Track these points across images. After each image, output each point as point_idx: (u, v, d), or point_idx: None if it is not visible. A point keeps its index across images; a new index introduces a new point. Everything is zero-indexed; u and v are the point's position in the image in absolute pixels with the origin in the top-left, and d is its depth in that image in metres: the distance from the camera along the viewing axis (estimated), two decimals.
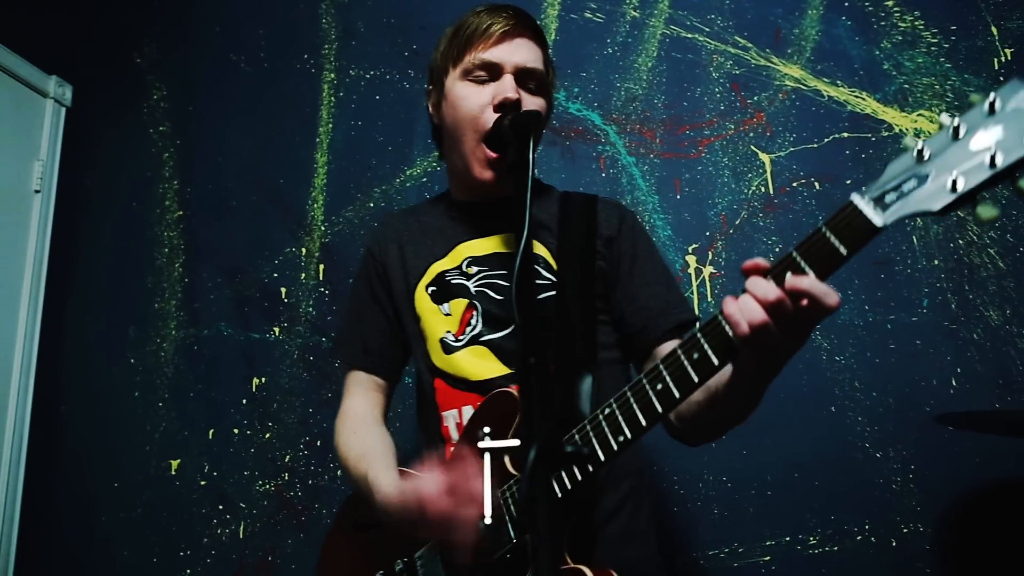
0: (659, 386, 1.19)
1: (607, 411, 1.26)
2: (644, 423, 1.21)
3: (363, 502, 1.50)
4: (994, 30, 2.23)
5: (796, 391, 2.12)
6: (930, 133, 1.01)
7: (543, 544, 0.90)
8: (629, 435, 1.23)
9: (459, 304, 1.59)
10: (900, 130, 2.23)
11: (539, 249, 1.61)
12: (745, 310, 1.08)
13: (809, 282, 1.05)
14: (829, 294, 1.06)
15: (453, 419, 1.56)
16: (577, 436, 1.30)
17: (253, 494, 2.42)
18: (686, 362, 1.16)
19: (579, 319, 1.55)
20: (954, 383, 2.07)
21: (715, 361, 1.13)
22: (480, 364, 1.55)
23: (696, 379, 1.16)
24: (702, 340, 1.14)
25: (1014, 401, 2.03)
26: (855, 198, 1.04)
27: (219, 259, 2.64)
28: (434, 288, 1.62)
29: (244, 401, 2.49)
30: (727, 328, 1.11)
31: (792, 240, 2.23)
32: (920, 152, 0.99)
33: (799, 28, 2.36)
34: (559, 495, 1.29)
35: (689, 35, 2.42)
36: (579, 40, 2.50)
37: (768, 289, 1.07)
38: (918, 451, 2.05)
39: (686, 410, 1.38)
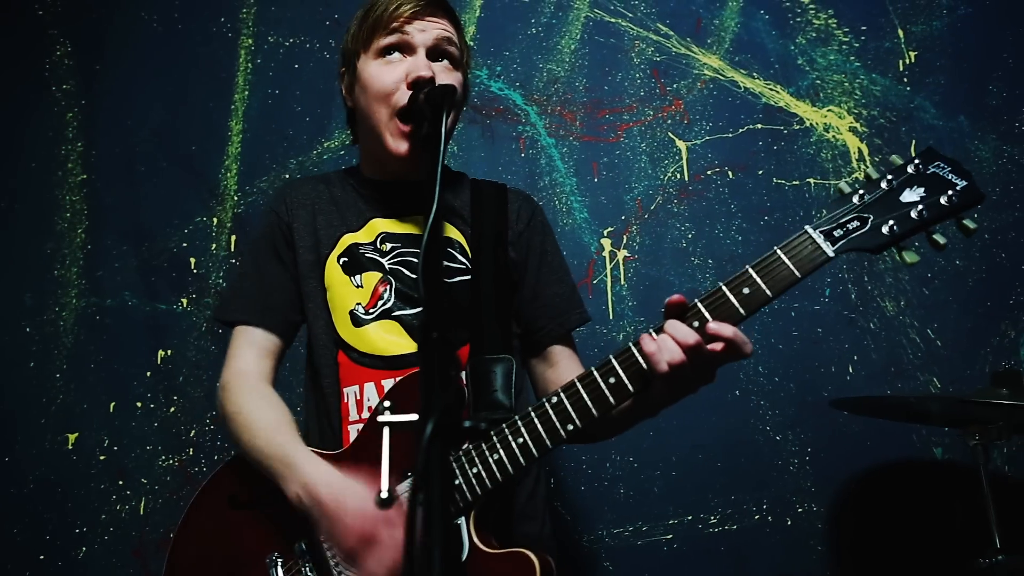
0: (612, 379, 1.27)
1: (555, 399, 1.31)
2: (631, 389, 1.27)
3: (258, 476, 1.46)
4: (901, 33, 2.31)
5: None
6: (867, 179, 1.22)
7: (437, 518, 0.89)
8: (579, 424, 1.29)
9: (372, 277, 1.58)
10: (811, 124, 2.29)
11: (454, 234, 1.63)
12: (664, 350, 1.19)
13: (731, 331, 1.18)
14: (746, 344, 1.20)
15: (354, 395, 1.54)
16: (520, 421, 1.33)
17: (155, 469, 2.35)
18: (603, 384, 1.26)
19: (493, 306, 1.57)
20: (851, 370, 2.16)
21: (630, 388, 1.25)
22: (389, 339, 1.54)
23: (612, 401, 1.26)
24: (618, 367, 1.25)
25: (904, 387, 2.12)
26: (809, 230, 1.20)
27: (125, 226, 2.54)
28: (345, 259, 1.60)
29: (148, 374, 2.41)
30: (641, 361, 1.22)
31: (705, 227, 2.28)
32: (862, 198, 1.20)
33: (719, 19, 2.40)
34: (499, 481, 1.34)
35: (612, 20, 2.44)
36: (503, 19, 2.49)
37: (687, 334, 1.18)
38: (815, 434, 2.14)
39: None
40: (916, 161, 1.20)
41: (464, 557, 1.34)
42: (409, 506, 0.92)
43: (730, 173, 2.29)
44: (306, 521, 1.35)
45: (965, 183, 1.18)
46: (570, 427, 1.29)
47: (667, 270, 2.27)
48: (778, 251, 1.20)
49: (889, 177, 1.20)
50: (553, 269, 1.67)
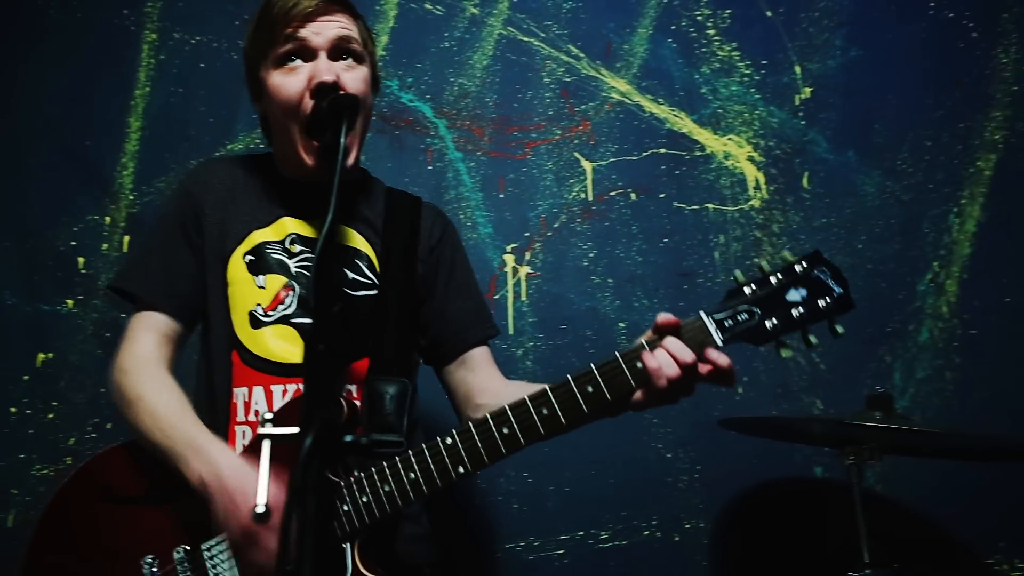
0: (545, 411, 1.33)
1: (449, 441, 1.34)
2: (522, 442, 1.35)
3: (139, 471, 1.41)
4: (798, 69, 2.41)
5: None
6: (761, 273, 1.33)
7: (309, 534, 0.88)
8: (522, 442, 1.35)
9: (276, 280, 1.55)
10: (711, 151, 2.37)
11: (363, 247, 1.62)
12: (666, 366, 1.28)
13: (727, 361, 1.30)
14: (734, 376, 1.33)
15: (243, 397, 1.51)
16: (413, 457, 1.34)
17: (28, 479, 2.23)
18: (579, 393, 1.31)
19: (396, 322, 1.57)
20: (740, 390, 2.23)
21: (608, 397, 1.32)
22: (284, 346, 1.52)
23: (586, 410, 1.32)
24: (599, 378, 1.32)
25: (790, 409, 2.21)
26: (704, 317, 1.33)
27: (8, 220, 2.41)
28: (252, 257, 1.57)
29: (26, 377, 2.29)
30: (627, 374, 1.31)
31: (607, 247, 2.32)
32: (754, 293, 1.31)
33: (629, 44, 2.45)
34: (388, 512, 1.35)
35: (525, 39, 2.46)
36: (417, 31, 2.48)
37: (686, 352, 1.29)
38: (704, 453, 2.20)
39: None
40: (804, 263, 1.31)
41: None
42: (283, 519, 0.91)
43: (633, 195, 2.35)
44: (182, 517, 1.32)
45: (841, 291, 1.30)
46: (460, 470, 1.33)
47: (568, 287, 2.30)
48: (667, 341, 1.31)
49: (779, 275, 1.31)
50: (460, 285, 1.69)
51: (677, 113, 2.40)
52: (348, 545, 1.35)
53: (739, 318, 1.30)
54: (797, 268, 1.31)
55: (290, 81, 1.51)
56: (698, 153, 2.37)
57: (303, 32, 1.50)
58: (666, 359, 1.28)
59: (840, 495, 1.91)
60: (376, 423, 1.48)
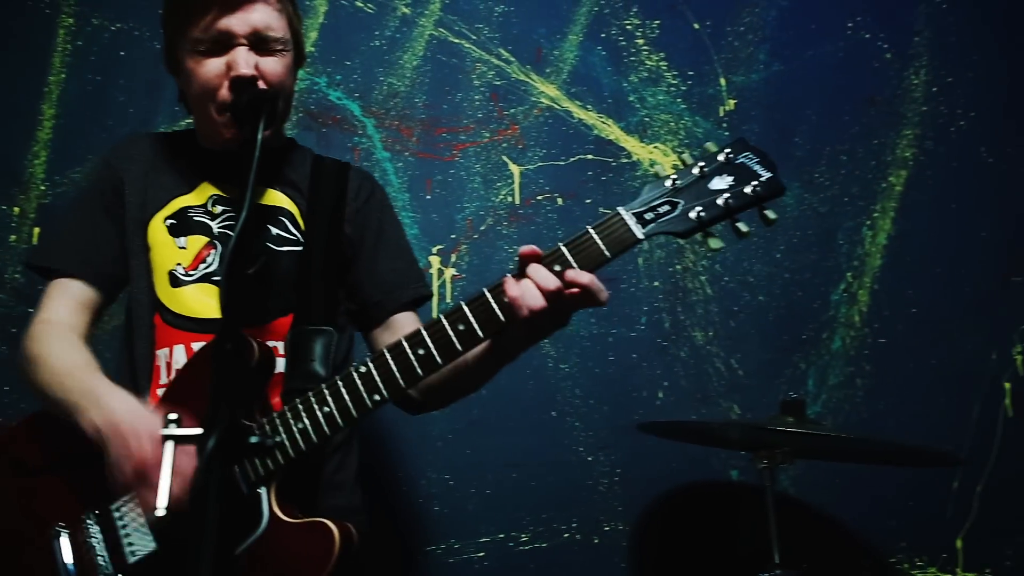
0: (421, 351, 1.27)
1: (363, 369, 1.30)
2: (403, 384, 1.28)
3: (48, 440, 1.35)
4: (723, 81, 2.47)
5: (522, 395, 2.21)
6: (683, 165, 1.24)
7: (208, 535, 0.86)
8: (386, 395, 1.29)
9: (197, 240, 1.55)
10: (637, 159, 2.40)
11: (287, 204, 1.61)
12: (527, 295, 1.20)
13: (589, 277, 1.20)
14: (602, 290, 1.22)
15: (164, 358, 1.49)
16: (327, 390, 1.32)
17: None
18: (451, 332, 1.25)
19: (321, 278, 1.56)
20: (661, 395, 2.27)
21: (480, 334, 1.25)
22: (206, 302, 1.51)
23: (460, 348, 1.26)
24: (469, 314, 1.25)
25: (708, 413, 2.25)
26: (621, 210, 1.22)
27: None
28: (173, 221, 1.56)
29: None
30: (495, 307, 1.23)
31: None
32: (674, 182, 1.22)
33: (559, 50, 2.47)
34: (302, 450, 1.32)
35: (456, 40, 2.46)
36: (347, 28, 2.45)
37: (549, 279, 1.20)
38: (624, 456, 2.22)
39: (431, 377, 1.41)
40: (727, 150, 1.23)
41: (262, 527, 1.30)
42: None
43: (559, 200, 2.36)
44: (98, 486, 1.28)
45: (770, 175, 1.23)
46: (377, 397, 1.29)
47: None
48: (590, 230, 1.23)
49: (701, 164, 1.23)
50: (390, 245, 1.68)
51: (605, 120, 2.42)
52: (264, 489, 1.32)
53: (660, 210, 1.20)
54: (721, 156, 1.23)
55: (208, 68, 1.48)
56: (624, 160, 2.40)
57: (223, 21, 1.47)
58: (529, 288, 1.20)
59: (754, 498, 1.95)
60: (300, 372, 1.48)
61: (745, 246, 2.34)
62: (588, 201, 2.37)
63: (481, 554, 2.18)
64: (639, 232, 1.21)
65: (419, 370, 1.28)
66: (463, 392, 1.58)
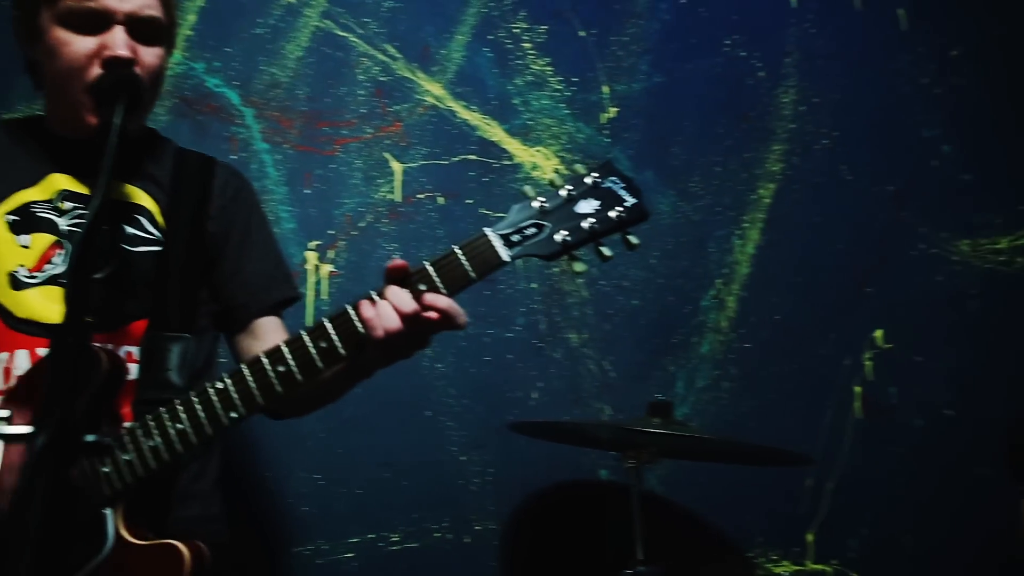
0: (281, 368, 1.24)
1: (219, 385, 1.26)
2: (261, 401, 1.25)
3: None
4: (605, 89, 2.52)
5: (396, 394, 2.19)
6: (551, 187, 1.26)
7: (29, 537, 0.81)
8: (243, 411, 1.25)
9: (43, 239, 1.45)
10: (520, 161, 2.43)
11: (146, 202, 1.53)
12: (383, 316, 1.19)
13: (447, 302, 1.21)
14: (460, 315, 1.23)
15: (4, 363, 1.39)
16: (180, 407, 1.27)
17: None
18: (312, 349, 1.23)
19: (180, 281, 1.50)
20: (535, 395, 2.30)
21: (342, 352, 1.23)
22: (53, 307, 1.41)
23: (320, 366, 1.23)
24: (331, 331, 1.22)
25: (580, 414, 2.30)
26: (488, 232, 1.23)
27: None
28: (16, 217, 1.46)
29: None
30: (358, 325, 1.21)
31: (412, 249, 2.32)
32: (542, 205, 1.23)
33: (446, 49, 2.47)
34: (152, 469, 1.28)
35: (342, 33, 2.42)
36: (229, 13, 2.37)
37: (406, 301, 1.20)
38: (497, 456, 2.24)
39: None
40: (595, 174, 1.25)
41: (106, 551, 1.24)
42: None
43: (441, 199, 2.36)
44: None
45: (634, 201, 1.25)
46: (233, 415, 1.26)
47: (371, 288, 2.26)
48: (457, 251, 1.24)
49: (569, 187, 1.24)
50: (257, 245, 1.63)
51: (488, 121, 2.44)
52: (110, 510, 1.26)
53: (527, 232, 1.22)
54: (587, 179, 1.24)
55: (79, 43, 1.40)
56: (507, 162, 2.42)
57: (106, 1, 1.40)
58: (385, 309, 1.20)
59: (622, 497, 2.00)
60: (154, 381, 1.42)
61: (621, 251, 2.38)
62: (469, 201, 2.37)
63: (350, 555, 2.15)
64: (505, 255, 1.22)
65: (278, 387, 1.25)
66: (320, 404, 1.58)
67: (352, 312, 1.23)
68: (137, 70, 1.41)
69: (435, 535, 2.20)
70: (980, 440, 2.16)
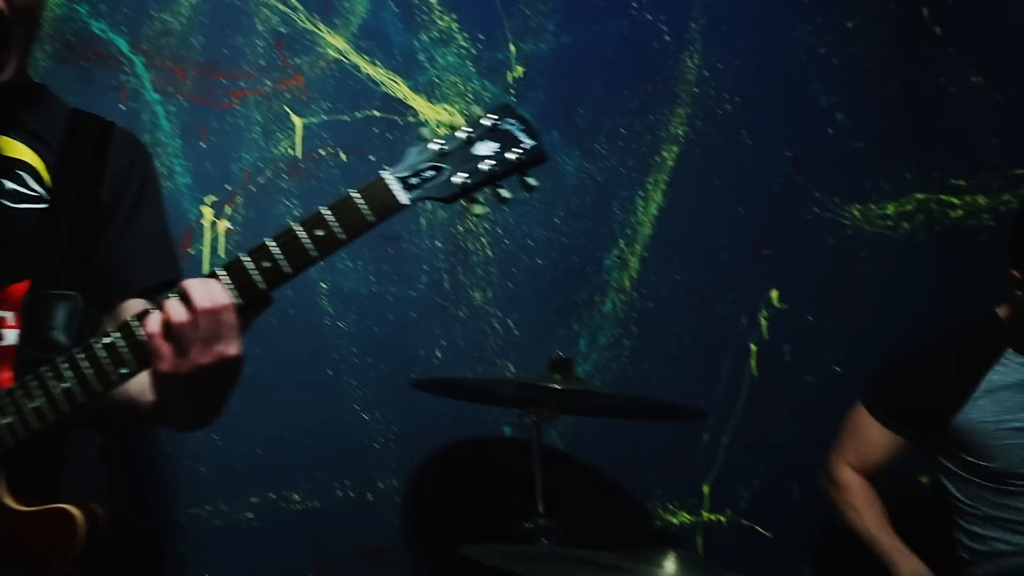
0: None
1: (107, 339, 1.19)
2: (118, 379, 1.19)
3: None
4: (512, 48, 2.51)
5: (297, 353, 2.16)
6: (449, 129, 1.23)
7: None
8: (135, 365, 1.19)
9: None
10: (425, 119, 2.40)
11: (29, 157, 1.44)
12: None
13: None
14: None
15: None
16: (64, 364, 1.19)
17: None
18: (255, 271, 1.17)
19: (67, 240, 1.41)
20: (438, 354, 2.30)
21: (263, 287, 1.18)
22: None
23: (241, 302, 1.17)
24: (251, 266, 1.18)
25: (484, 372, 2.31)
26: (385, 175, 1.20)
27: None
28: None
29: None
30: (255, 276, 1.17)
31: (313, 206, 2.12)
32: (441, 148, 1.21)
33: (350, 3, 2.41)
34: (34, 431, 1.21)
35: None
36: None
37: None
38: (400, 414, 2.23)
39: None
40: (493, 116, 1.23)
41: None
42: None
43: (343, 156, 2.32)
44: None
45: (533, 143, 1.23)
46: (124, 370, 1.19)
47: None
48: (353, 194, 1.20)
49: (467, 129, 1.23)
50: (144, 222, 1.53)
51: (393, 77, 2.39)
52: None
53: (425, 175, 1.20)
54: (485, 121, 1.22)
55: None
56: (411, 119, 2.39)
57: None
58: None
59: (524, 453, 2.03)
60: (38, 341, 1.33)
61: (525, 211, 2.41)
62: (373, 159, 2.33)
63: (250, 515, 2.12)
64: (404, 197, 1.20)
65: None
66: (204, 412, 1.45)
67: (264, 248, 1.19)
68: (2, 6, 1.33)
69: (337, 494, 2.18)
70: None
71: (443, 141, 1.22)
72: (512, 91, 2.48)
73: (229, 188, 2.21)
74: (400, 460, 2.22)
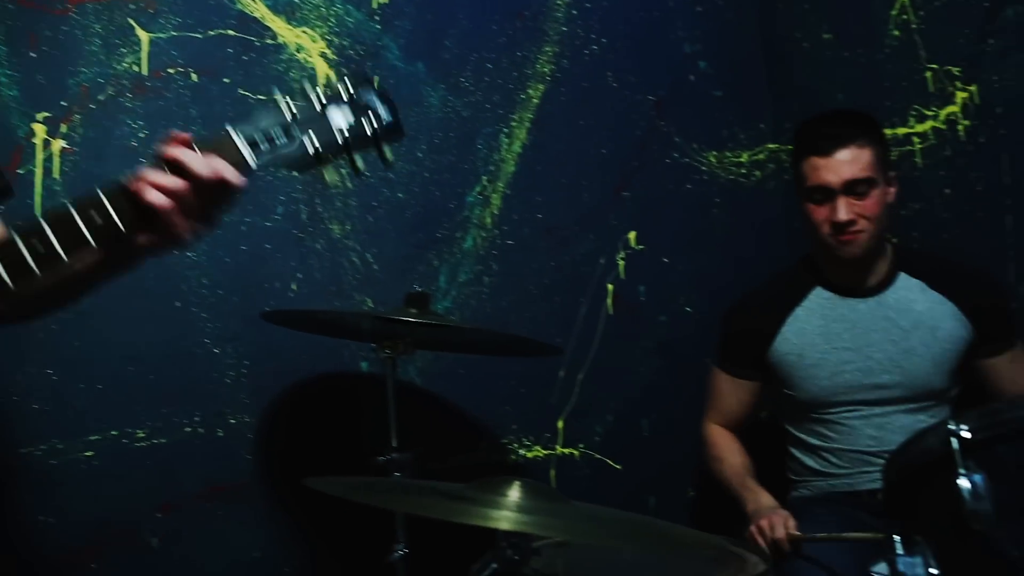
0: (40, 246, 1.07)
1: None
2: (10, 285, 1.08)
3: None
4: None
5: (140, 283, 2.03)
6: (303, 93, 1.17)
7: None
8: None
9: None
10: (283, 41, 2.28)
11: None
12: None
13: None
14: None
15: None
16: None
17: None
18: (83, 225, 1.08)
19: None
20: (294, 287, 2.24)
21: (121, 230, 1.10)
22: None
23: (94, 245, 1.10)
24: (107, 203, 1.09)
25: (342, 306, 2.27)
26: (232, 132, 1.12)
27: None
28: None
29: None
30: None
31: (160, 128, 2.12)
32: (293, 115, 1.14)
33: None
34: None
35: None
36: None
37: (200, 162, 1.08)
38: (253, 348, 2.17)
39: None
40: (350, 85, 1.19)
41: None
42: None
43: (194, 75, 2.18)
44: None
45: (391, 118, 1.20)
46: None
47: (112, 168, 2.06)
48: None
49: (323, 97, 1.17)
50: None
51: None
52: None
53: (278, 141, 1.13)
54: (341, 89, 1.18)
55: None
56: (269, 41, 2.27)
57: None
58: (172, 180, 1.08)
59: (380, 388, 2.02)
60: None
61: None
62: (227, 81, 2.21)
63: (89, 453, 2.02)
64: (252, 161, 1.12)
65: (35, 269, 1.08)
66: (55, 303, 1.40)
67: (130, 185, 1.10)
68: None
69: (186, 430, 2.11)
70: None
71: (296, 107, 1.15)
72: (377, 18, 2.40)
73: (65, 104, 2.05)
74: (252, 395, 2.17)
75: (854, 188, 2.02)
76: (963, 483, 1.15)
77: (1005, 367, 2.10)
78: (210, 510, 2.14)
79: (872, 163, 2.04)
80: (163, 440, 2.09)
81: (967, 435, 1.18)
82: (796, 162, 2.14)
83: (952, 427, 1.20)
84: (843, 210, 2.02)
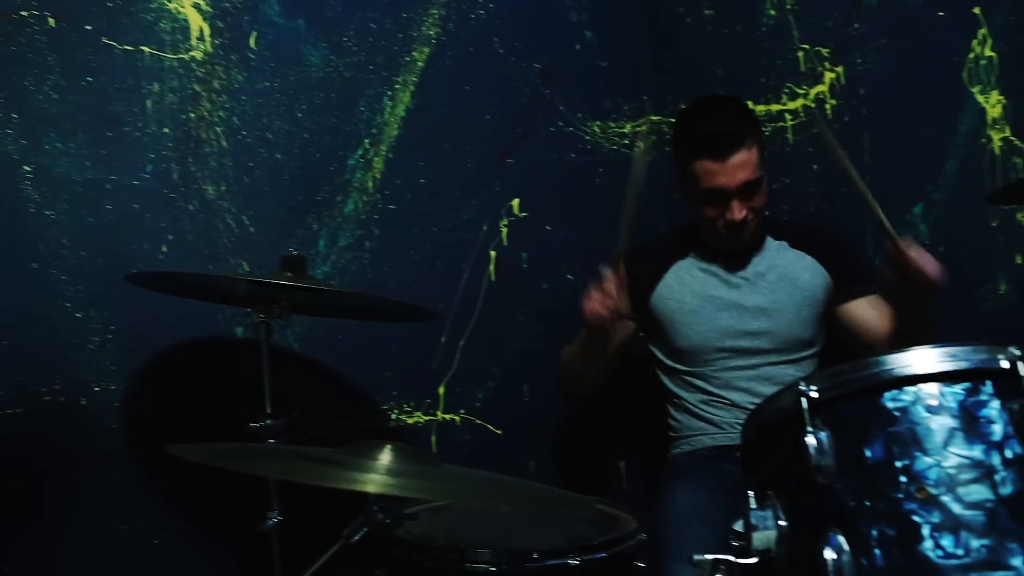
0: None
1: None
2: None
3: None
4: None
5: None
6: None
7: None
8: None
9: None
10: None
11: None
12: None
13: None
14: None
15: None
16: None
17: None
18: None
19: None
20: (165, 249, 2.14)
21: None
22: None
23: None
24: None
25: (216, 270, 2.19)
26: None
27: None
28: None
29: None
30: None
31: (13, 77, 1.99)
32: None
33: None
34: None
35: None
36: None
37: None
38: (120, 312, 2.07)
39: None
40: None
41: None
42: None
43: (51, 20, 2.03)
44: None
45: None
46: None
47: None
48: None
49: None
50: None
51: None
52: None
53: None
54: None
55: None
56: None
57: None
58: None
59: (255, 354, 1.97)
60: None
61: (265, 102, 2.28)
62: (89, 28, 2.06)
63: None
64: None
65: None
66: None
67: None
68: None
69: (45, 399, 2.00)
70: None
71: None
72: None
73: None
74: (119, 362, 2.07)
75: (747, 189, 2.14)
76: (809, 440, 1.21)
77: (865, 312, 2.25)
78: (72, 481, 2.04)
79: (759, 161, 2.17)
80: (19, 410, 1.98)
81: (815, 395, 1.25)
82: (686, 160, 2.21)
83: (803, 388, 1.26)
84: (738, 210, 2.15)
